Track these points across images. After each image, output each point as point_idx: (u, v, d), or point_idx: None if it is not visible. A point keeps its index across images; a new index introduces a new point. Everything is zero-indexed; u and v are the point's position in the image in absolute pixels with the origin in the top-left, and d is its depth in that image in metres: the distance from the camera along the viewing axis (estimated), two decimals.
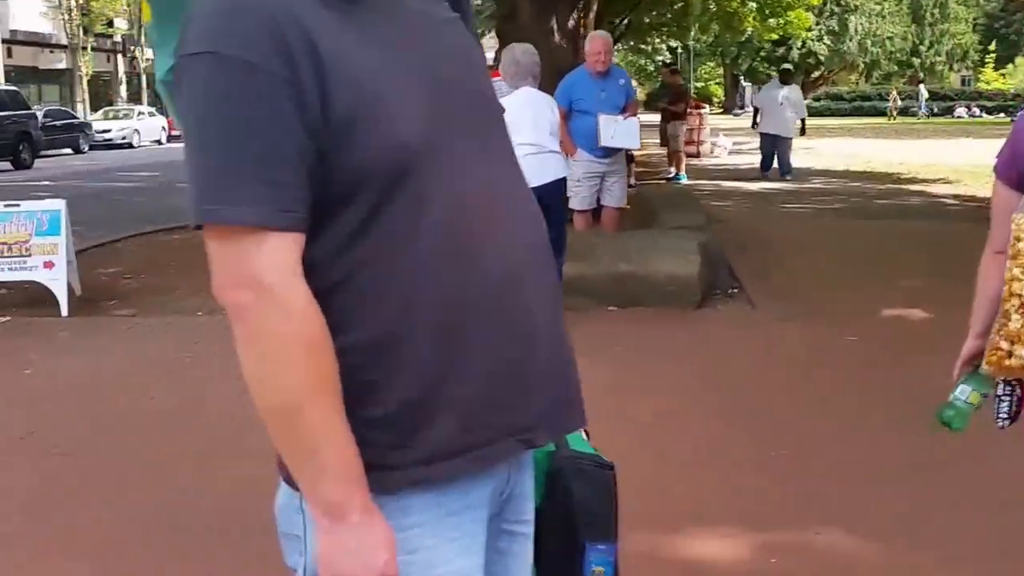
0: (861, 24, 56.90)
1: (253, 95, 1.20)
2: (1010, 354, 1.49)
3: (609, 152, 7.55)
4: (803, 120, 15.25)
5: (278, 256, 1.21)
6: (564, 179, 6.24)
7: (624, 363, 5.55)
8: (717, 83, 65.09)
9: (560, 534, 1.51)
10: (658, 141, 18.41)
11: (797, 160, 15.70)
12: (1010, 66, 60.60)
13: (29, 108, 26.08)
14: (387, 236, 1.26)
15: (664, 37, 37.86)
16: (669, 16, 31.25)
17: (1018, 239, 1.46)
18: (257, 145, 1.20)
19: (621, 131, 7.44)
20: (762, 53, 52.94)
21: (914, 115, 47.47)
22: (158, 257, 9.36)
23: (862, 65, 58.45)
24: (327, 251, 1.26)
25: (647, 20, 29.31)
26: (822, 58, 55.87)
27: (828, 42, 55.26)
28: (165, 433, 4.67)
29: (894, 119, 45.40)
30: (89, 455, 4.39)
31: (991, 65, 60.52)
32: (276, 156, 1.21)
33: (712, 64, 61.48)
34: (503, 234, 1.34)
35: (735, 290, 7.24)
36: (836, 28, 55.50)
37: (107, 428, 4.75)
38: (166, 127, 36.73)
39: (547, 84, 11.88)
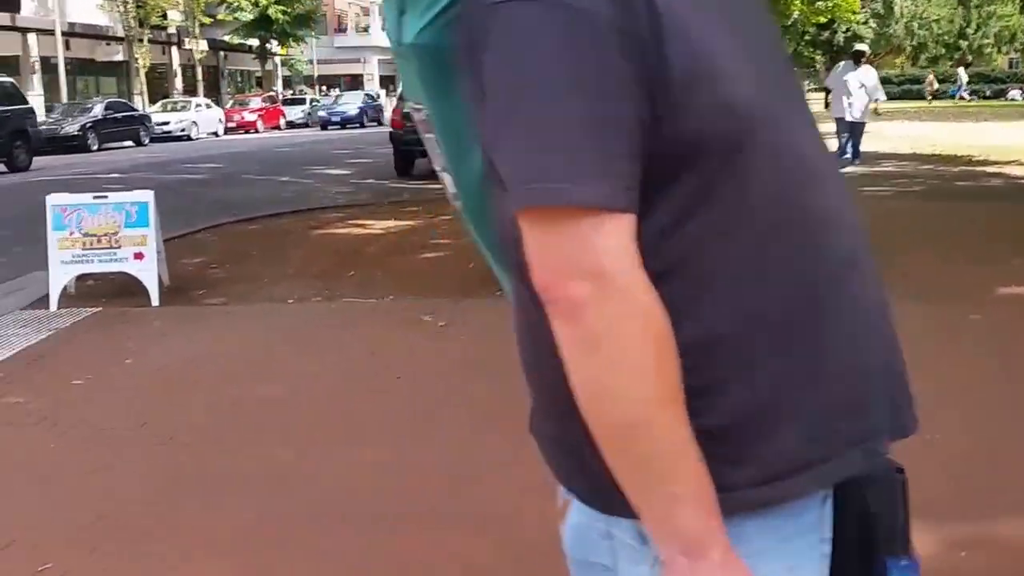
0: (907, 7, 56.06)
1: (587, 49, 1.00)
2: None
3: None
4: (876, 103, 14.71)
5: (619, 241, 1.00)
6: None
7: None
8: None
9: (855, 550, 1.29)
10: None
11: (862, 143, 15.22)
12: None
13: (26, 102, 23.29)
14: (720, 215, 1.07)
15: None
16: None
17: None
18: (593, 108, 1.00)
19: None
20: (807, 37, 52.12)
21: (951, 97, 46.64)
22: (238, 247, 9.29)
23: (909, 48, 57.44)
24: (652, 235, 1.05)
25: None
26: (868, 41, 54.90)
27: (874, 25, 54.47)
28: (277, 421, 4.56)
29: (930, 102, 44.63)
30: (206, 445, 4.28)
31: None
32: (614, 122, 1.01)
33: None
34: (837, 209, 1.15)
35: None
36: (881, 11, 54.70)
37: (219, 417, 4.65)
38: (223, 119, 36.97)
39: None
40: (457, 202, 1.30)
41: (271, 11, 45.90)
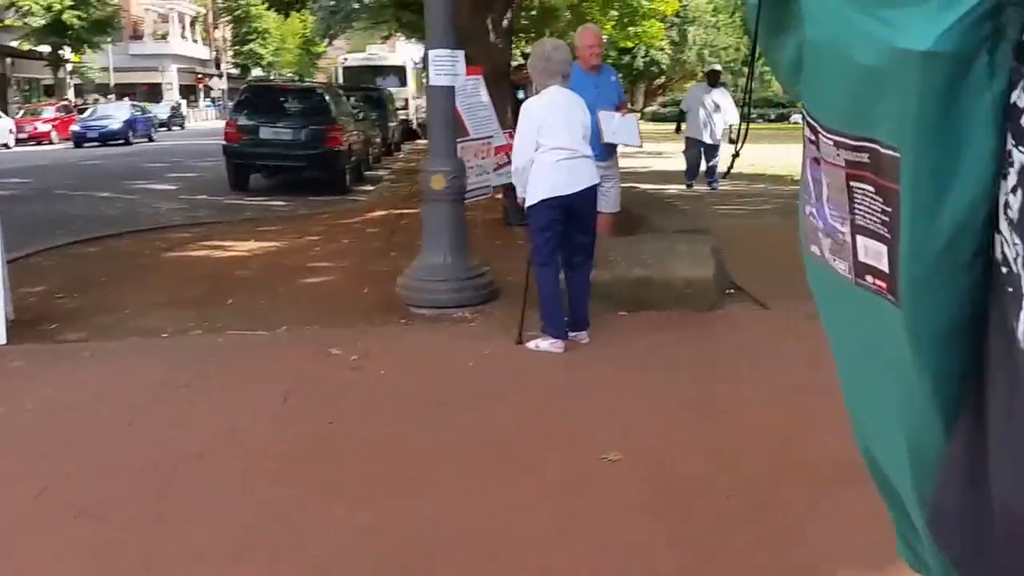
0: (699, 35, 58.64)
1: None
2: None
3: (607, 154, 6.97)
4: (731, 126, 14.15)
5: None
6: (596, 185, 5.62)
7: (671, 368, 5.02)
8: None
9: None
10: None
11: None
12: None
13: None
14: None
15: (522, 43, 37.71)
16: (527, 22, 31.02)
17: None
18: None
19: (622, 127, 6.88)
20: (608, 60, 53.54)
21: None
22: (83, 272, 8.21)
23: (700, 73, 59.91)
24: None
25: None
26: (664, 66, 57.07)
27: (669, 51, 56.54)
28: (208, 483, 3.81)
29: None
30: (129, 517, 3.50)
31: None
32: None
33: None
34: None
35: (731, 291, 6.79)
36: (676, 38, 56.81)
37: (133, 480, 3.84)
38: (13, 129, 34.05)
39: (489, 88, 11.24)
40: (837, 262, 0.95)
41: (65, 16, 42.82)
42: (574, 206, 5.47)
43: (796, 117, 51.09)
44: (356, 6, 55.53)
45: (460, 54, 6.69)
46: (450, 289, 6.56)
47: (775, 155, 22.42)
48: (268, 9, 40.62)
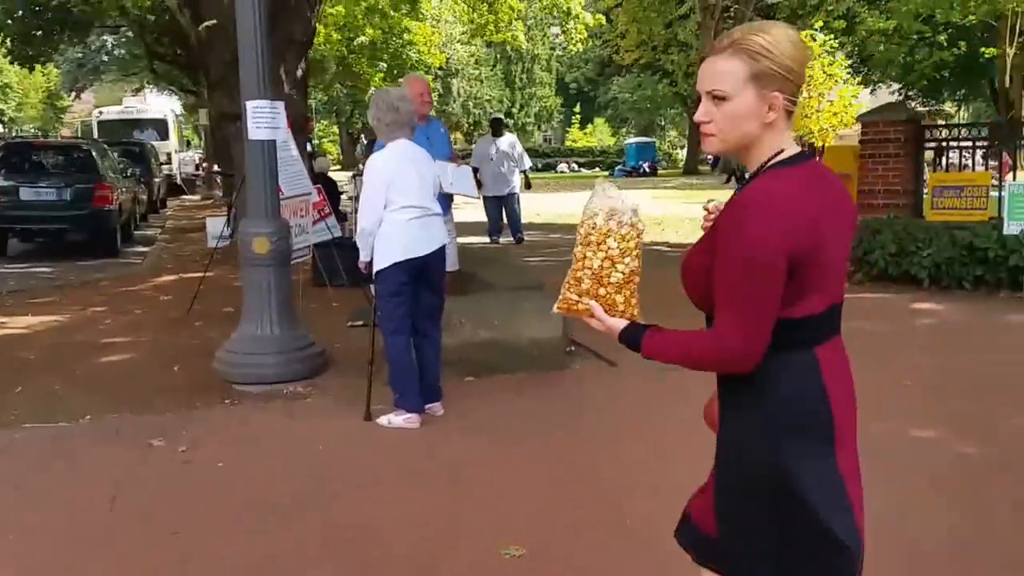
0: (464, 87, 59.62)
1: None
2: (578, 302, 1.98)
3: (445, 208, 6.59)
4: (525, 173, 14.05)
5: None
6: (446, 244, 5.24)
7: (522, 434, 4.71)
8: (331, 141, 64.72)
9: None
10: None
11: (480, 214, 14.29)
12: (590, 126, 66.05)
13: None
14: None
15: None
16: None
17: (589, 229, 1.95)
18: None
19: (458, 178, 6.53)
20: None
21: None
22: None
23: (465, 125, 60.86)
24: None
25: None
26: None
27: (435, 103, 57.13)
28: None
29: None
30: None
31: (576, 125, 65.59)
32: None
33: (327, 122, 61.08)
34: None
35: (571, 349, 6.57)
36: (441, 90, 57.46)
37: None
38: None
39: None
40: None
41: None
42: (428, 267, 5.07)
43: (563, 167, 52.91)
44: (105, 58, 52.71)
45: (280, 105, 6.17)
46: (279, 362, 5.96)
47: (556, 203, 22.89)
48: (12, 63, 37.96)
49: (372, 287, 5.35)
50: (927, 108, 38.94)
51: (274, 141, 6.11)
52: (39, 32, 30.10)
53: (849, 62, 24.89)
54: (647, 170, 45.14)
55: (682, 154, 59.48)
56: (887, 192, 9.79)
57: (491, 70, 61.73)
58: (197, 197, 28.22)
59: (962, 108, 48.12)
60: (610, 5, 32.10)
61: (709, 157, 50.68)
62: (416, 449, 4.84)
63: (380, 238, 5.00)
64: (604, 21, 27.51)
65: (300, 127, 10.95)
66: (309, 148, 15.40)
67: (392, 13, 29.84)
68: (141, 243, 16.34)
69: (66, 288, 10.06)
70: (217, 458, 4.72)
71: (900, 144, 9.75)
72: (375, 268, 5.06)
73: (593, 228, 1.91)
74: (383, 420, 5.15)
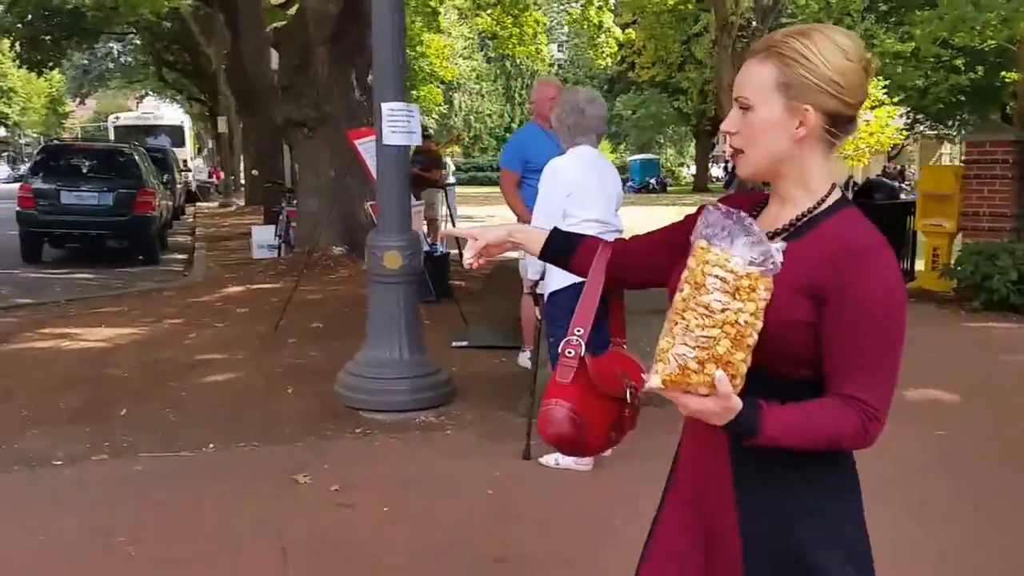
0: (465, 102, 59.26)
1: None
2: (700, 371, 1.42)
3: None
4: None
5: None
6: None
7: None
8: None
9: None
10: None
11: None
12: None
13: None
14: None
15: None
16: None
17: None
18: None
19: None
20: None
21: None
22: None
23: (467, 138, 60.42)
24: None
25: None
26: (431, 131, 57.02)
27: (436, 116, 56.68)
28: None
29: None
30: None
31: None
32: None
33: None
34: None
35: None
36: (443, 105, 57.03)
37: None
38: None
39: (350, 150, 10.02)
40: None
41: None
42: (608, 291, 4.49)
43: None
44: (111, 65, 52.15)
45: (415, 109, 5.59)
46: (409, 389, 5.38)
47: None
48: (20, 67, 37.25)
49: (538, 309, 4.77)
50: (935, 133, 38.67)
51: (408, 147, 5.54)
52: (48, 37, 29.56)
53: (886, 82, 24.46)
54: (656, 187, 44.70)
55: (684, 172, 59.23)
56: (993, 215, 9.30)
57: (492, 84, 61.35)
58: (215, 204, 27.55)
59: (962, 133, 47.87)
60: (627, 21, 31.63)
61: (721, 175, 50.36)
62: (600, 492, 4.25)
63: None
64: (633, 36, 27.03)
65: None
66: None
67: (411, 23, 29.35)
68: (176, 251, 15.75)
69: (126, 297, 9.43)
70: (379, 501, 4.13)
71: (1008, 166, 9.26)
72: (548, 289, 4.48)
73: (732, 272, 1.42)
74: (548, 460, 4.55)
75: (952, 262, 9.29)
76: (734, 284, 1.41)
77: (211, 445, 4.88)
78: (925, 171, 12.57)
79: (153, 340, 7.23)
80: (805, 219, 1.55)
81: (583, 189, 4.42)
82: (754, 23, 31.70)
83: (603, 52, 22.55)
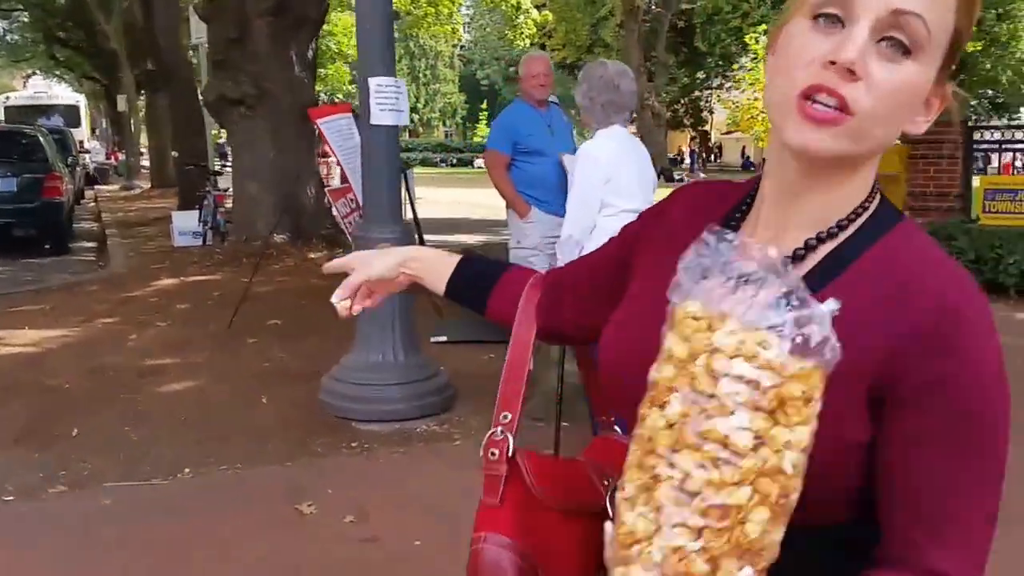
0: None
1: None
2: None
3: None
4: None
5: None
6: None
7: None
8: None
9: None
10: None
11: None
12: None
13: None
14: None
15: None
16: None
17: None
18: None
19: None
20: None
21: (433, 165, 48.64)
22: None
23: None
24: None
25: None
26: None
27: (341, 97, 55.30)
28: None
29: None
30: None
31: (484, 122, 64.65)
32: None
33: None
34: None
35: None
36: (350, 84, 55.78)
37: None
38: None
39: (291, 128, 9.26)
40: None
41: None
42: None
43: (479, 162, 51.75)
44: None
45: (403, 84, 4.95)
46: (407, 395, 4.77)
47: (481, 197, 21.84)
48: None
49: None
50: None
51: (397, 128, 4.90)
52: None
53: None
54: None
55: None
56: (938, 195, 9.15)
57: (396, 65, 60.38)
58: (116, 187, 25.99)
59: None
60: (539, 3, 31.19)
61: (686, 159, 49.27)
62: None
63: (591, 246, 3.87)
64: (549, 18, 26.54)
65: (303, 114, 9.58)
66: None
67: None
68: (83, 238, 14.59)
69: (46, 293, 8.47)
70: (406, 532, 3.53)
71: (954, 146, 9.10)
72: None
73: (771, 368, 0.76)
74: None
75: None
76: (775, 393, 0.75)
77: (186, 470, 4.19)
78: None
79: (90, 343, 6.38)
80: (844, 237, 0.94)
81: (622, 175, 3.88)
82: (655, 7, 31.69)
83: (522, 33, 22.01)
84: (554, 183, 5.26)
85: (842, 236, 0.93)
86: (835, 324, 0.77)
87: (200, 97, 13.50)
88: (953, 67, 0.93)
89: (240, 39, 9.25)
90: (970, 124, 9.39)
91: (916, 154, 9.39)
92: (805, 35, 0.88)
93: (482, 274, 1.31)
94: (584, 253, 3.86)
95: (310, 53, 10.13)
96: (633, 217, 3.53)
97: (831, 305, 0.76)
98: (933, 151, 9.24)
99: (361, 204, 6.44)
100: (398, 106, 4.81)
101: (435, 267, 1.32)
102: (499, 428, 1.10)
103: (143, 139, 32.86)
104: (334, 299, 1.30)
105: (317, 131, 6.20)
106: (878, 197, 0.96)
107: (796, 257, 0.92)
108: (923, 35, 0.85)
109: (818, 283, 0.88)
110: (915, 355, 0.84)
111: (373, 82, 4.72)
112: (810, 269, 0.92)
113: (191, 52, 15.61)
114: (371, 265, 1.30)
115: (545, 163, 5.29)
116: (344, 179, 6.35)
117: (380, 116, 4.74)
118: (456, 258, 1.33)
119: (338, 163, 6.23)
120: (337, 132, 6.20)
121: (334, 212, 6.88)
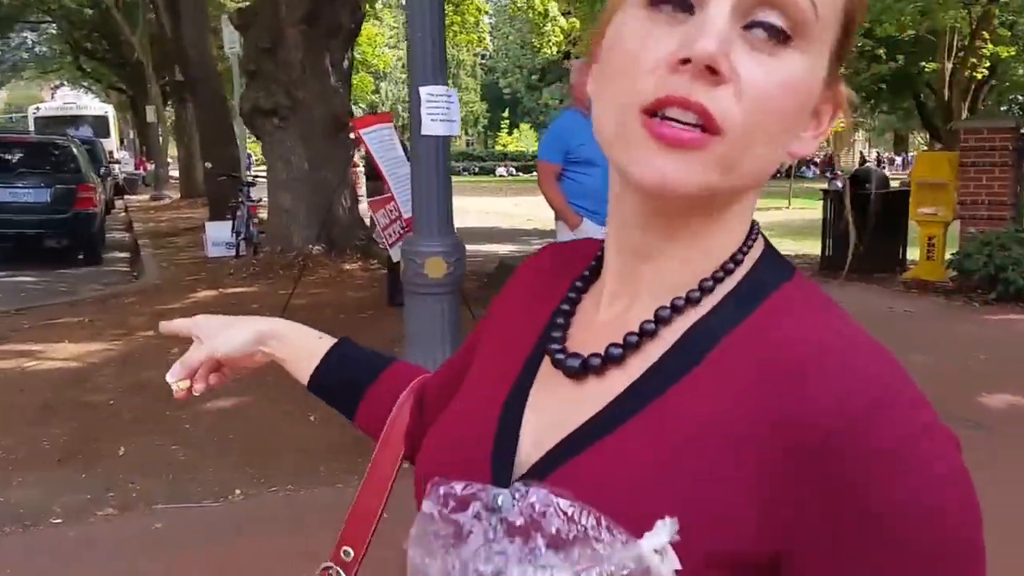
0: (391, 90, 58.36)
1: None
2: None
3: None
4: None
5: None
6: None
7: None
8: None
9: None
10: None
11: None
12: (516, 131, 65.16)
13: None
14: None
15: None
16: None
17: None
18: None
19: None
20: None
21: None
22: None
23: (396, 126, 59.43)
24: None
25: None
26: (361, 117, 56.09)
27: (363, 107, 55.56)
28: None
29: None
30: None
31: (505, 130, 64.65)
32: None
33: None
34: None
35: None
36: (373, 93, 56.04)
37: None
38: None
39: (325, 139, 9.12)
40: None
41: None
42: None
43: (501, 170, 51.73)
44: (24, 55, 49.87)
45: (455, 94, 4.81)
46: None
47: (506, 205, 21.70)
48: None
49: None
50: (855, 120, 39.11)
51: (448, 139, 4.75)
52: None
53: None
54: None
55: None
56: (992, 204, 8.89)
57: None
58: (145, 197, 26.05)
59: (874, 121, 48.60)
60: (565, 10, 31.08)
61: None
62: None
63: None
64: (576, 25, 26.45)
65: (343, 125, 9.48)
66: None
67: None
68: (114, 248, 14.57)
69: (83, 305, 8.38)
70: None
71: (1007, 153, 8.86)
72: None
73: None
74: None
75: (956, 252, 8.88)
76: None
77: (237, 491, 4.05)
78: (919, 158, 12.15)
79: (131, 358, 6.27)
80: (712, 302, 0.68)
81: None
82: None
83: (549, 40, 21.88)
84: (606, 193, 5.10)
85: (708, 302, 0.67)
86: (687, 456, 0.59)
87: (232, 107, 13.45)
88: (846, 59, 0.67)
89: (272, 49, 9.14)
90: (1023, 130, 9.12)
91: (966, 161, 9.15)
92: (641, 28, 0.62)
93: (356, 369, 1.05)
94: None
95: (345, 63, 10.03)
96: None
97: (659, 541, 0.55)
98: (984, 158, 9.00)
99: (403, 214, 6.34)
100: (449, 116, 4.67)
101: (299, 351, 1.05)
102: (334, 567, 0.92)
103: (170, 149, 33.03)
104: (169, 378, 1.05)
105: (354, 141, 6.08)
106: (760, 244, 0.70)
107: (644, 333, 0.67)
108: (807, 12, 0.61)
109: (672, 373, 0.64)
110: (811, 467, 0.56)
111: (424, 91, 4.57)
112: (664, 353, 0.66)
113: (220, 61, 15.60)
114: (219, 339, 1.04)
115: (597, 173, 5.14)
116: (376, 190, 6.23)
117: (431, 127, 4.59)
118: (328, 343, 1.06)
119: (380, 174, 6.10)
120: (379, 142, 6.07)
121: (375, 223, 6.75)
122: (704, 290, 0.67)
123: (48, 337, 6.84)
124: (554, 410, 0.68)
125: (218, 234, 11.98)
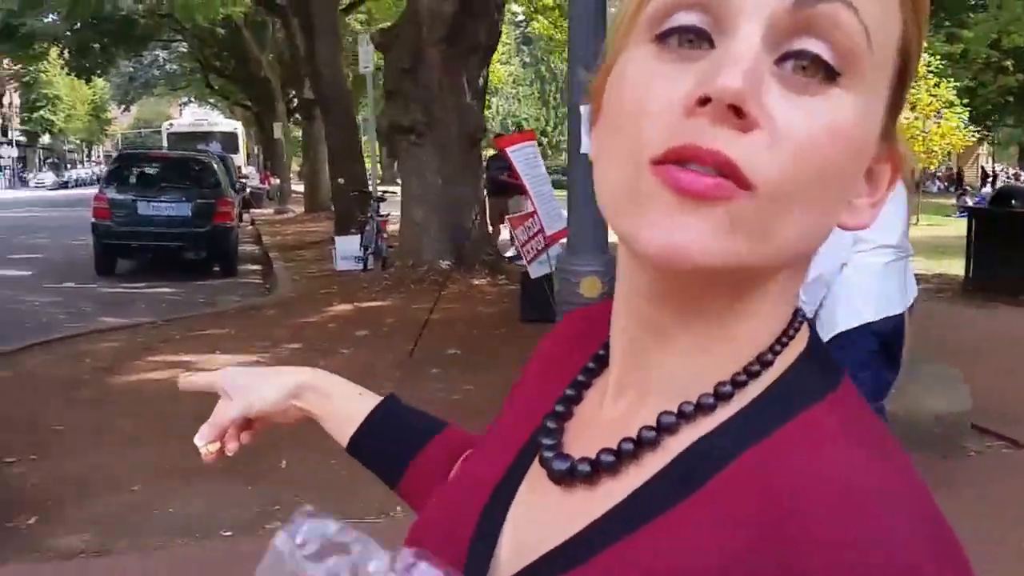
0: (502, 106, 59.11)
1: None
2: None
3: None
4: None
5: None
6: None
7: None
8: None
9: None
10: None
11: None
12: None
13: None
14: None
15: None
16: None
17: None
18: None
19: None
20: None
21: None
22: (15, 415, 5.49)
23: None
24: None
25: None
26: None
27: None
28: None
29: None
30: None
31: None
32: None
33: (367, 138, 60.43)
34: None
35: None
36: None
37: None
38: None
39: (459, 155, 9.16)
40: None
41: None
42: (898, 329, 3.61)
43: None
44: (155, 72, 52.17)
45: None
46: None
47: None
48: (68, 74, 36.86)
49: None
50: (979, 137, 37.62)
51: None
52: (97, 45, 29.12)
53: (956, 83, 23.43)
54: None
55: None
56: None
57: (528, 89, 61.17)
58: (270, 211, 26.84)
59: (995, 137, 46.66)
60: None
61: None
62: None
63: (843, 288, 3.54)
64: None
65: (476, 142, 9.53)
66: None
67: None
68: (245, 261, 14.99)
69: (225, 317, 8.62)
70: None
71: None
72: (833, 329, 3.60)
73: None
74: None
75: None
76: None
77: (397, 508, 4.04)
78: None
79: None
80: (726, 414, 0.54)
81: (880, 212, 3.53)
82: None
83: None
84: None
85: (724, 411, 0.54)
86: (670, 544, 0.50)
87: (361, 124, 13.70)
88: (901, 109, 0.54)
89: (412, 68, 9.26)
90: None
91: None
92: (647, 68, 0.50)
93: (404, 432, 0.92)
94: (833, 295, 3.56)
95: (480, 80, 10.11)
96: (889, 254, 3.17)
97: None
98: None
99: (547, 230, 6.32)
100: None
101: (339, 407, 0.93)
102: None
103: (293, 164, 33.97)
104: (198, 441, 0.97)
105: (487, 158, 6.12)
106: (802, 339, 0.57)
107: (641, 443, 0.55)
108: (858, 41, 0.49)
109: (665, 498, 0.52)
110: None
111: (584, 109, 4.51)
112: (661, 470, 0.53)
113: (350, 79, 15.95)
114: (252, 395, 0.94)
115: None
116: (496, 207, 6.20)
117: (590, 145, 4.54)
118: (372, 400, 0.93)
119: (525, 191, 6.11)
120: (524, 160, 6.10)
121: (515, 239, 6.74)
122: (720, 396, 0.54)
123: (197, 348, 7.04)
124: (538, 513, 0.59)
125: (347, 248, 12.19)
